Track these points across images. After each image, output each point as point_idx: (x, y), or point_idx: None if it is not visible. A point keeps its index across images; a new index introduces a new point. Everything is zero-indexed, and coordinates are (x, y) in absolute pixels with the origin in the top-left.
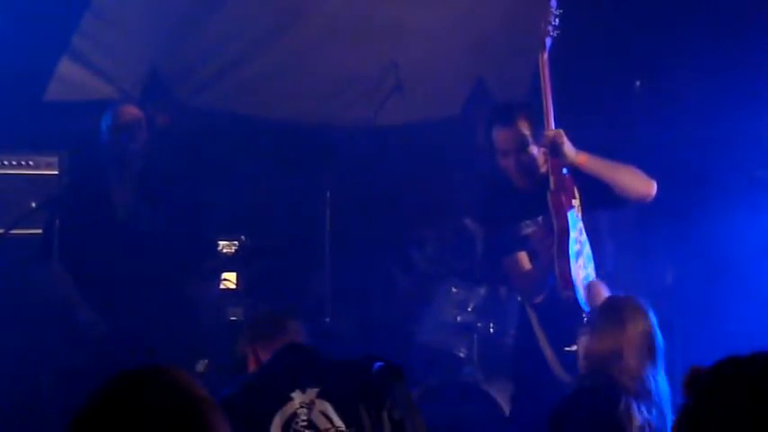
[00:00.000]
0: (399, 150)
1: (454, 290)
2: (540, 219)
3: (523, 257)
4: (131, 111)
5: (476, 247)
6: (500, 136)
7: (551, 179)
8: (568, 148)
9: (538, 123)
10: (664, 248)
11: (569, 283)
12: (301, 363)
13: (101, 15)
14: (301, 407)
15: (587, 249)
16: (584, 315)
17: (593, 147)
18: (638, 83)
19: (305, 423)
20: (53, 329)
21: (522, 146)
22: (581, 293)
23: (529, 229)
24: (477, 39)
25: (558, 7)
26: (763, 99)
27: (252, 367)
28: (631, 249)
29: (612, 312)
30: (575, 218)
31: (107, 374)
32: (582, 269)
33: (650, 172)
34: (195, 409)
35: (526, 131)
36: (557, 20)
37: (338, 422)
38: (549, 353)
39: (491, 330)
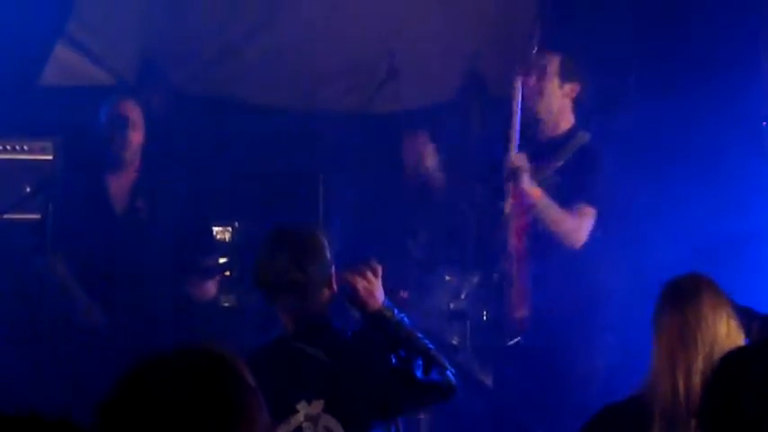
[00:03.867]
0: (394, 136)
1: (447, 277)
2: None
3: None
4: (130, 107)
5: (470, 234)
6: None
7: (509, 202)
8: (526, 178)
9: None
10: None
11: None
12: (309, 364)
13: (96, 0)
14: (306, 420)
15: None
16: None
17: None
18: (631, 78)
19: None
20: (49, 316)
21: None
22: None
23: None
24: (471, 26)
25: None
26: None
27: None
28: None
29: None
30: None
31: (101, 363)
32: None
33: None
34: (243, 400)
35: None
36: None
37: None
38: None
39: (484, 318)
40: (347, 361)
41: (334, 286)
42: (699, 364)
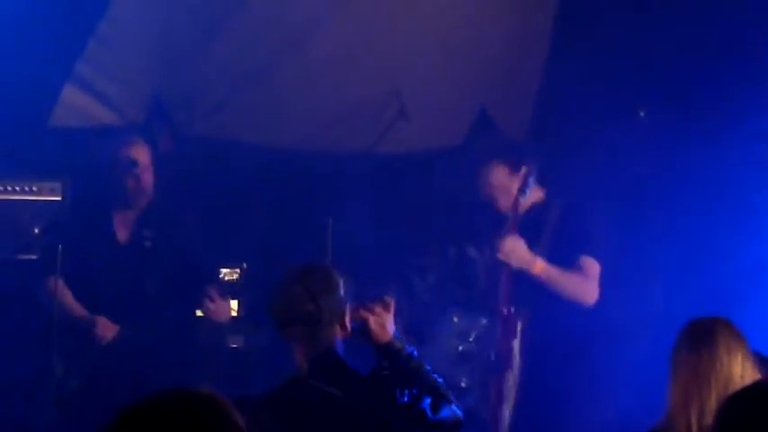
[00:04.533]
0: (402, 178)
1: (456, 319)
2: None
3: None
4: (140, 149)
5: (477, 276)
6: None
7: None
8: (521, 257)
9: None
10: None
11: None
12: (326, 402)
13: (104, 42)
14: None
15: None
16: None
17: (597, 178)
18: (642, 113)
19: None
20: (59, 348)
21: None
22: None
23: None
24: (479, 67)
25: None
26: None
27: None
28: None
29: None
30: None
31: (106, 399)
32: None
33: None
34: None
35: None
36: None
37: None
38: None
39: (492, 359)
40: (363, 399)
41: (348, 325)
42: (712, 404)
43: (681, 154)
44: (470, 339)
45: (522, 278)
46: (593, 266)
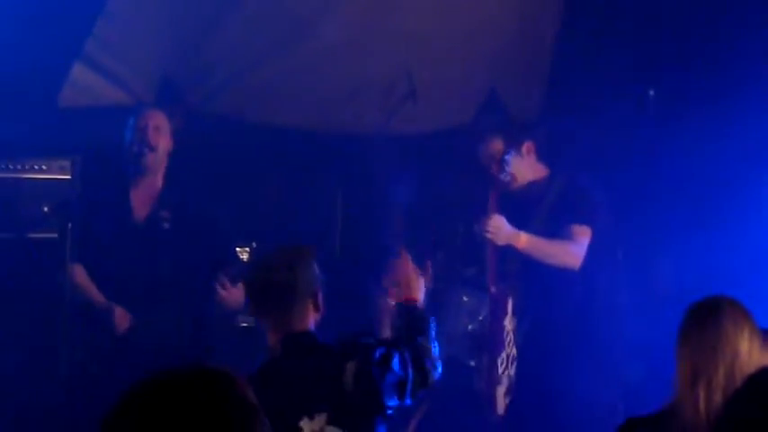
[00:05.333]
0: (412, 157)
1: (465, 299)
2: None
3: None
4: (156, 114)
5: (485, 254)
6: None
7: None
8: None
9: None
10: (675, 257)
11: None
12: (304, 380)
13: (114, 20)
14: None
15: None
16: None
17: (606, 157)
18: (651, 92)
19: None
20: (69, 331)
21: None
22: None
23: None
24: (490, 48)
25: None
26: None
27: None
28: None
29: None
30: None
31: (121, 380)
32: None
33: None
34: (244, 421)
35: None
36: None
37: None
38: None
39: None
40: (341, 370)
41: (321, 306)
42: (720, 380)
43: (689, 133)
44: (480, 318)
45: (510, 255)
46: (583, 233)
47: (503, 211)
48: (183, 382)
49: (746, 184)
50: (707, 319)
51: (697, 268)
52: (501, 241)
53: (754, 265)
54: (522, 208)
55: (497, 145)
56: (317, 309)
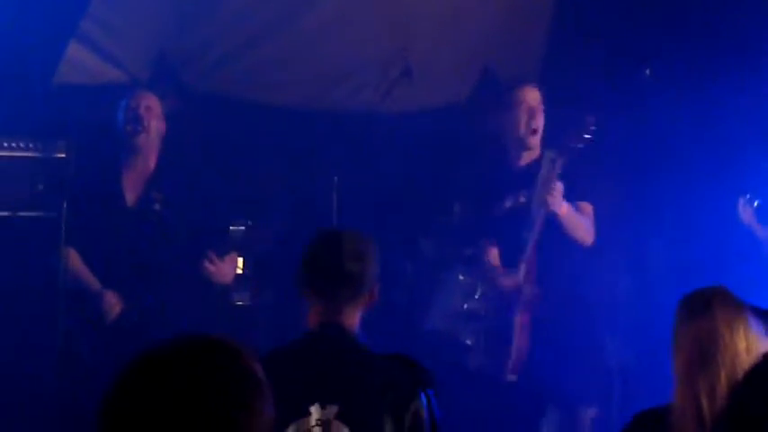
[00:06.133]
0: (407, 136)
1: (461, 277)
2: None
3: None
4: (149, 96)
5: (483, 233)
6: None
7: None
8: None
9: None
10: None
11: None
12: (329, 367)
13: None
14: (317, 425)
15: None
16: None
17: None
18: (648, 71)
19: None
20: (64, 312)
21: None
22: None
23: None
24: (485, 26)
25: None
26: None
27: None
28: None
29: None
30: None
31: (117, 360)
32: None
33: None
34: (244, 393)
35: None
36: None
37: None
38: None
39: (497, 317)
40: (369, 373)
41: (375, 298)
42: (723, 386)
43: (686, 111)
44: (476, 297)
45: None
46: (587, 207)
47: (510, 185)
48: (184, 351)
49: (744, 165)
50: (700, 323)
51: (692, 249)
52: (557, 208)
53: (749, 248)
54: (527, 185)
55: (534, 94)
56: (370, 299)
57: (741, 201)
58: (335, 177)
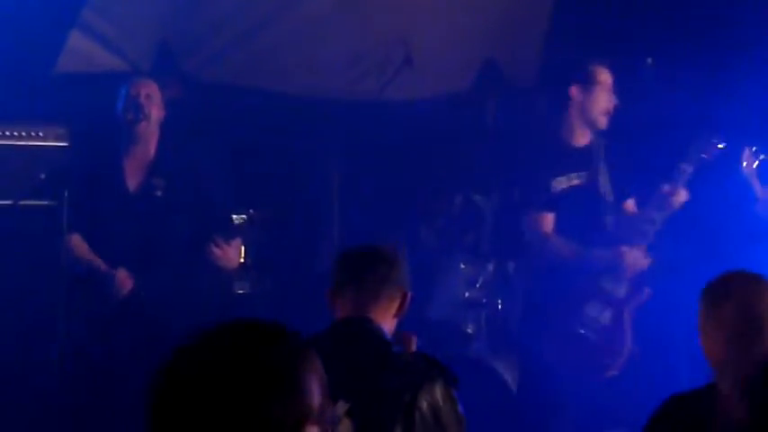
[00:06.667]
0: (407, 125)
1: (463, 266)
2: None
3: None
4: (149, 84)
5: (484, 223)
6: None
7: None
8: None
9: None
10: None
11: None
12: (349, 364)
13: None
14: None
15: None
16: None
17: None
18: (649, 60)
19: None
20: (66, 299)
21: None
22: None
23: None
24: (486, 15)
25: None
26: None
27: None
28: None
29: None
30: None
31: (119, 352)
32: None
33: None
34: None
35: None
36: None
37: None
38: None
39: (499, 307)
40: (387, 372)
41: (407, 303)
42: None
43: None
44: (477, 286)
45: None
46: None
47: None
48: (243, 334)
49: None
50: (744, 295)
51: (699, 237)
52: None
53: (753, 236)
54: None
55: (608, 74)
56: (401, 306)
57: (746, 151)
58: (336, 165)
